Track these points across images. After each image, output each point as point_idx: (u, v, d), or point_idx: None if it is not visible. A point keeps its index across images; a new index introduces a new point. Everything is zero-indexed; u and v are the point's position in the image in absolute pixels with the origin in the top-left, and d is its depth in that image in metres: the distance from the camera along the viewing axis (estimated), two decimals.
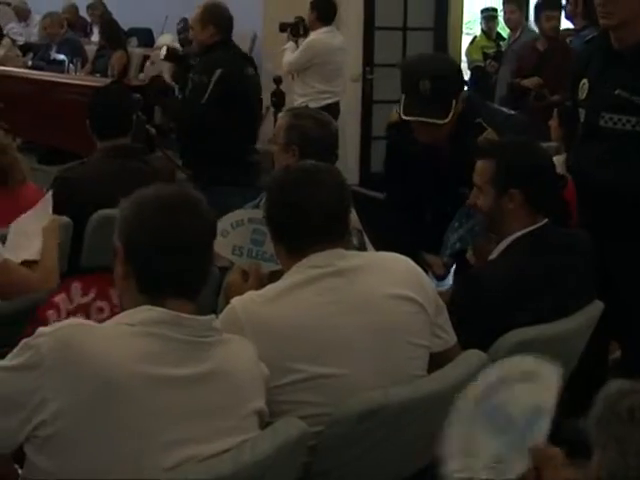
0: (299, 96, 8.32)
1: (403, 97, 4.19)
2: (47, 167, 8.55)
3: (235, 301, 2.62)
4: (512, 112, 4.86)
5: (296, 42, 8.27)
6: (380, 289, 2.66)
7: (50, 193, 3.90)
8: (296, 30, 8.30)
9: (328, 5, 8.21)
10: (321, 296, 2.59)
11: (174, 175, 4.96)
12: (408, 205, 4.41)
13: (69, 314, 2.82)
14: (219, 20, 6.23)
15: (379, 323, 2.62)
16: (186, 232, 2.27)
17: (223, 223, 3.20)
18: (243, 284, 3.07)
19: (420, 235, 4.34)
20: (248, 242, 3.26)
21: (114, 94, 4.94)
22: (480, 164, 3.45)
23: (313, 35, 8.16)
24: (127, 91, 5.06)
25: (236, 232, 3.27)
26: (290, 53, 8.27)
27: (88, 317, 2.85)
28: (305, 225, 2.66)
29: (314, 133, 3.82)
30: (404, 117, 4.13)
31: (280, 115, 4.14)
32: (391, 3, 9.52)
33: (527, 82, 7.81)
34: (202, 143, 5.98)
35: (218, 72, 5.93)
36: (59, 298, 2.87)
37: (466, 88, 4.26)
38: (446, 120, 4.02)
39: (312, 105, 7.91)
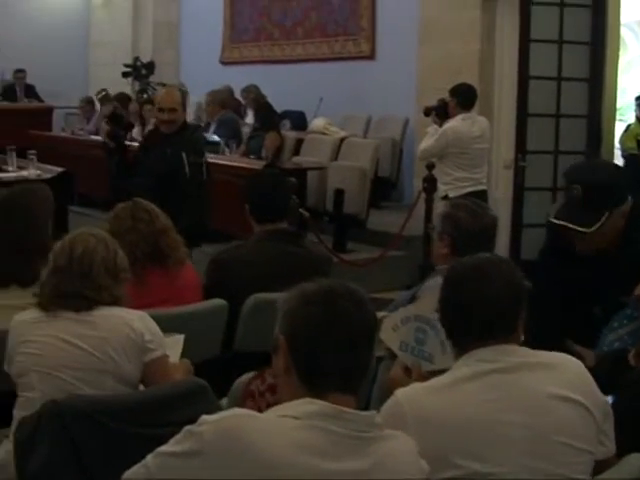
0: (441, 184, 8.26)
1: (559, 199, 4.16)
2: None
3: (399, 392, 2.60)
4: None
5: (440, 125, 8.23)
6: (546, 389, 2.59)
7: (182, 337, 3.95)
8: (441, 113, 8.27)
9: (468, 91, 8.15)
10: (486, 392, 2.55)
11: (331, 261, 4.96)
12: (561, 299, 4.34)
13: (261, 394, 2.83)
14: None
15: (543, 424, 2.55)
16: (351, 326, 2.26)
17: (393, 318, 3.33)
18: (406, 379, 3.07)
19: (569, 326, 4.26)
20: (412, 339, 3.31)
21: (273, 179, 4.99)
22: None
23: (450, 122, 8.09)
24: (284, 176, 5.10)
25: (404, 328, 3.34)
26: (428, 138, 8.23)
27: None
28: (472, 322, 2.65)
29: (467, 224, 3.82)
30: (551, 219, 4.09)
31: (440, 204, 4.15)
32: (544, 90, 9.45)
33: None
34: None
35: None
36: (254, 385, 2.90)
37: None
38: (591, 230, 3.94)
39: (452, 194, 7.86)
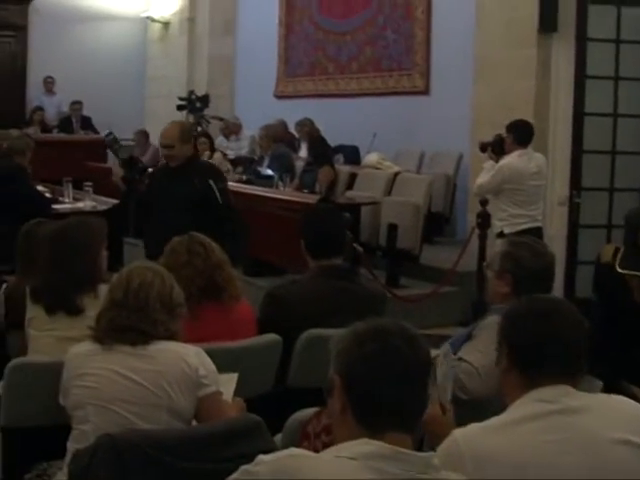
0: (496, 220, 8.22)
1: (623, 247, 4.11)
2: (252, 279, 8.74)
3: (457, 432, 2.58)
4: None
5: (496, 161, 8.19)
6: (605, 432, 2.56)
7: (236, 375, 3.96)
8: (497, 148, 8.23)
9: (525, 128, 8.10)
10: (546, 434, 2.52)
11: (385, 298, 4.95)
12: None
13: (316, 435, 2.82)
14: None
15: (602, 467, 2.52)
16: (405, 364, 2.25)
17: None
18: (442, 417, 3.05)
19: (625, 366, 4.21)
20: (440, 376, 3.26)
21: (328, 215, 4.98)
22: None
23: (507, 158, 8.05)
24: (340, 212, 5.10)
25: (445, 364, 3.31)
26: (485, 173, 8.19)
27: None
28: (535, 361, 2.62)
29: (529, 263, 3.79)
30: (618, 269, 4.04)
31: (497, 242, 4.11)
32: (600, 126, 9.40)
33: None
34: None
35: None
36: (310, 427, 2.89)
37: None
38: None
39: (508, 230, 7.82)
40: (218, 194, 6.66)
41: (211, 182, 6.67)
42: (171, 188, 6.66)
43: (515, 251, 3.84)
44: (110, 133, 9.94)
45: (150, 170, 7.80)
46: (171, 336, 3.48)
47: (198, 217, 6.39)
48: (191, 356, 3.42)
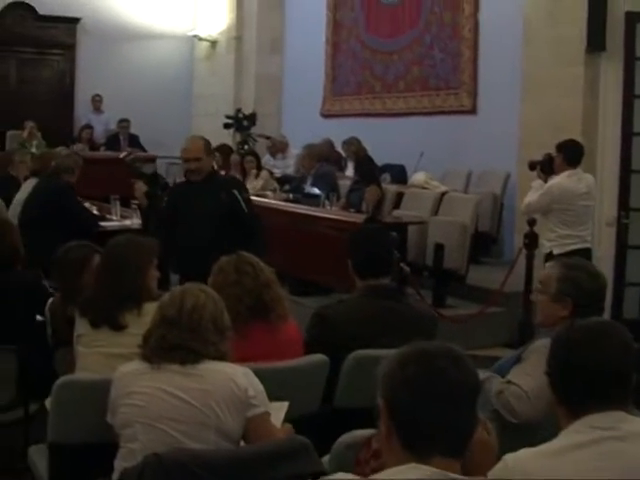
0: (545, 240, 8.16)
1: None
2: (298, 298, 8.72)
3: (509, 457, 2.55)
4: None
5: (545, 180, 8.14)
6: None
7: (286, 404, 3.96)
8: (547, 167, 8.17)
9: (575, 148, 8.04)
10: (601, 460, 2.49)
11: (435, 320, 4.92)
12: None
13: (366, 461, 2.81)
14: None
15: None
16: (450, 386, 2.23)
17: None
18: (488, 438, 3.02)
19: None
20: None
21: (377, 236, 4.95)
22: None
23: (556, 178, 7.99)
24: (388, 232, 5.07)
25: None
26: (533, 192, 8.14)
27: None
28: (588, 386, 2.59)
29: (588, 285, 3.76)
30: None
31: (550, 264, 4.06)
32: None
33: None
34: None
35: None
36: (362, 454, 2.87)
37: None
38: None
39: (557, 251, 7.77)
40: (244, 204, 6.77)
41: (236, 193, 6.76)
42: (198, 203, 6.70)
43: (573, 274, 3.81)
44: (130, 153, 10.05)
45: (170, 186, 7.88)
46: (220, 357, 3.48)
47: (224, 229, 6.52)
48: (240, 376, 3.42)
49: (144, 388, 3.41)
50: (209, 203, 6.64)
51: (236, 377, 3.41)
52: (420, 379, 2.22)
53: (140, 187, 7.68)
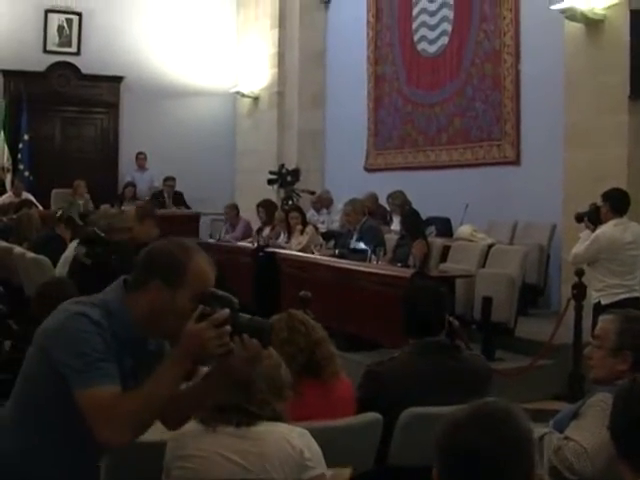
0: (594, 291, 8.10)
1: None
2: (345, 354, 8.66)
3: None
4: None
5: (593, 230, 8.09)
6: None
7: (348, 470, 3.91)
8: (593, 217, 8.13)
9: (622, 197, 8.01)
10: None
11: (490, 375, 4.87)
12: None
13: None
14: None
15: None
16: (504, 448, 2.17)
17: None
18: None
19: None
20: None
21: (430, 293, 4.90)
22: None
23: (603, 228, 7.95)
24: (441, 289, 5.03)
25: None
26: (581, 243, 8.10)
27: None
28: None
29: None
30: None
31: (606, 317, 3.99)
32: None
33: None
34: None
35: None
36: None
37: None
38: None
39: (605, 301, 7.72)
40: None
41: None
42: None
43: (632, 326, 3.75)
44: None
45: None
46: (277, 417, 3.46)
47: None
48: (295, 438, 3.39)
49: (198, 451, 3.38)
50: None
51: (292, 439, 3.38)
52: (474, 450, 2.17)
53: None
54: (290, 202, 15.25)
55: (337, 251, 11.07)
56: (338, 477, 3.73)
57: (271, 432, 3.39)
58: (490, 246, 10.63)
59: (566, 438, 3.66)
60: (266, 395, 3.43)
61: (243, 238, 13.83)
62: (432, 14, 14.40)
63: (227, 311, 2.82)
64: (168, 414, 3.08)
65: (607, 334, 3.80)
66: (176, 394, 2.98)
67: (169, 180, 17.02)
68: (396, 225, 12.36)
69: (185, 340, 2.82)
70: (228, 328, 2.82)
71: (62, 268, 8.69)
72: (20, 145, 17.13)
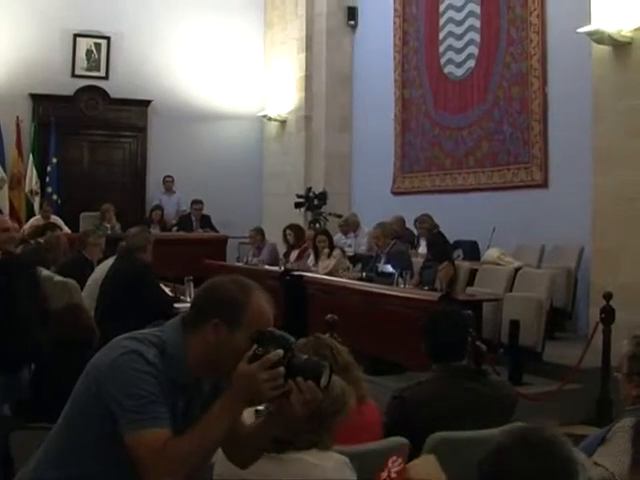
0: None
1: None
2: (371, 377, 8.63)
3: None
4: None
5: None
6: None
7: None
8: None
9: None
10: None
11: (515, 401, 4.84)
12: None
13: None
14: None
15: None
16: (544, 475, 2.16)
17: None
18: None
19: None
20: None
21: (451, 318, 4.86)
22: None
23: None
24: (463, 314, 5.00)
25: None
26: None
27: None
28: None
29: None
30: None
31: (623, 342, 3.98)
32: None
33: None
34: None
35: None
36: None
37: None
38: None
39: None
40: None
41: None
42: None
43: None
44: None
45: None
46: (310, 446, 3.37)
47: None
48: (329, 470, 3.31)
49: (227, 476, 3.36)
50: None
51: (325, 471, 3.30)
52: (521, 472, 2.16)
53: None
54: (317, 225, 15.26)
55: (364, 274, 11.05)
56: (422, 465, 3.68)
57: (303, 460, 3.29)
58: (517, 269, 10.60)
59: (594, 464, 3.65)
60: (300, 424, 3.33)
61: (269, 261, 13.84)
62: (459, 37, 14.43)
63: (280, 352, 2.71)
64: (235, 455, 3.06)
65: (622, 359, 3.80)
66: (244, 434, 2.94)
67: (196, 203, 17.09)
68: (423, 248, 12.33)
69: (236, 382, 2.72)
70: (282, 370, 2.70)
71: (89, 290, 8.72)
72: (48, 168, 17.26)
